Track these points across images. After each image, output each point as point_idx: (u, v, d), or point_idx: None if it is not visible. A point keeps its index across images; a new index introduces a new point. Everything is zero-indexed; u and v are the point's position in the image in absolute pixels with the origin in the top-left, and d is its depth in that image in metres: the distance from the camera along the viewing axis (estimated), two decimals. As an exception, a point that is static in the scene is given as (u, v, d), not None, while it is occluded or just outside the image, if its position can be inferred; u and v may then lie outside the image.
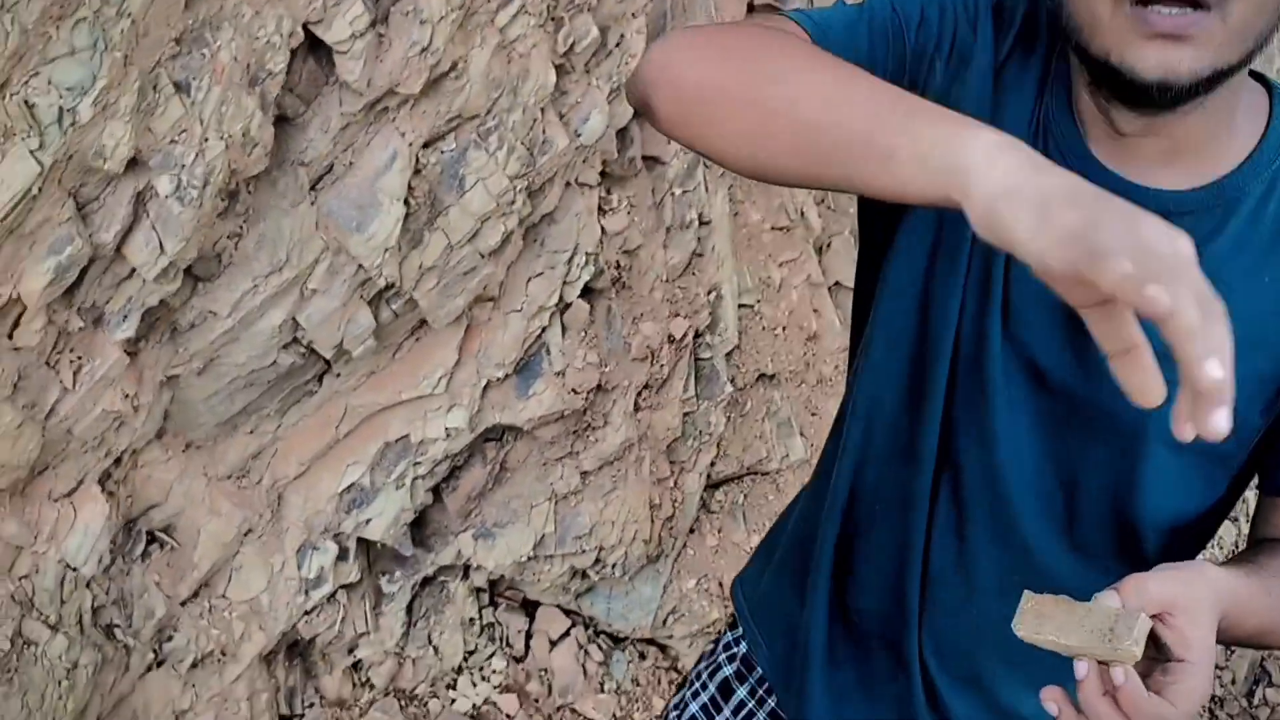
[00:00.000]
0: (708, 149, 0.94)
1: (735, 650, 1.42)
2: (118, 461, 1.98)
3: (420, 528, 2.36)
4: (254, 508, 2.16)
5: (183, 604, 2.12)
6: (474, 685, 2.45)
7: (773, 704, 1.36)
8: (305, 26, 1.72)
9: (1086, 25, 0.90)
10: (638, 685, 2.58)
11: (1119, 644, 0.82)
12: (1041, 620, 0.85)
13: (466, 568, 2.42)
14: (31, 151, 1.57)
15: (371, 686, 2.40)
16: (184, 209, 1.68)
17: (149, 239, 1.71)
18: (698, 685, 1.43)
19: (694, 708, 1.42)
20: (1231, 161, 0.97)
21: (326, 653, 2.34)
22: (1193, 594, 0.86)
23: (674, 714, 1.43)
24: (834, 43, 0.99)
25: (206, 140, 1.67)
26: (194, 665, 2.15)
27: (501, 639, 2.50)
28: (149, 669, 2.11)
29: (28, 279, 1.66)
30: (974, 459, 1.09)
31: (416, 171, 1.90)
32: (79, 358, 1.80)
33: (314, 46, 1.77)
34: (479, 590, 2.49)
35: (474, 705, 2.42)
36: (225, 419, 2.07)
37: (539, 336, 2.24)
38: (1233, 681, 2.96)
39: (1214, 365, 0.64)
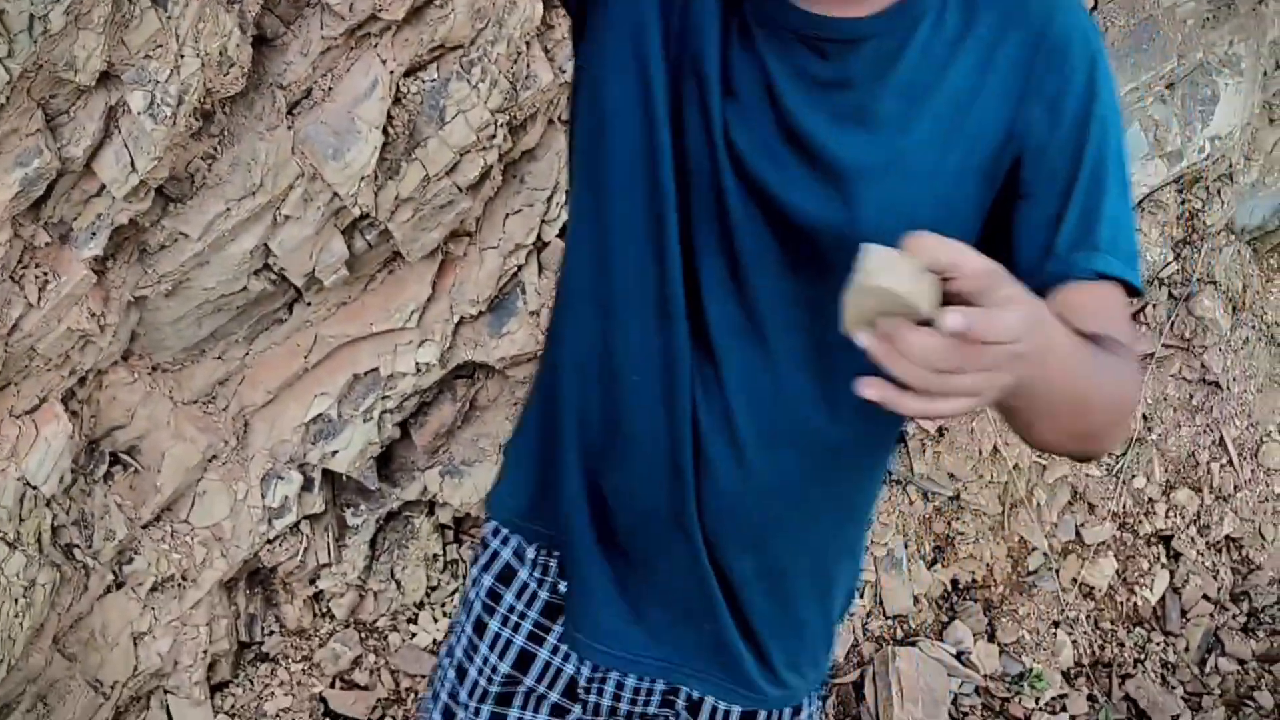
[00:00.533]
0: None
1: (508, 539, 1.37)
2: (82, 381, 1.95)
3: (387, 463, 2.34)
4: (219, 434, 2.14)
5: (144, 527, 2.10)
6: (435, 621, 2.44)
7: (552, 582, 1.33)
8: (288, -57, 1.67)
9: None
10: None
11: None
12: (861, 301, 0.82)
13: (432, 504, 2.41)
14: (0, 60, 1.53)
15: (332, 617, 2.39)
16: (156, 126, 1.64)
17: (120, 155, 1.67)
18: (477, 570, 1.39)
19: (480, 590, 1.37)
20: None
21: (288, 582, 2.33)
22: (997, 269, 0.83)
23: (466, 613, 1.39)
24: None
25: (182, 57, 1.62)
26: (154, 589, 2.13)
27: (464, 576, 2.50)
28: (108, 590, 2.09)
29: (-9, 186, 1.63)
30: (725, 311, 1.10)
31: (396, 100, 1.86)
32: (45, 274, 1.76)
33: (294, -34, 1.72)
34: (444, 527, 2.48)
35: (434, 640, 2.42)
36: (193, 343, 2.04)
37: (515, 275, 2.21)
38: (1186, 649, 3.00)
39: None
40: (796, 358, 1.11)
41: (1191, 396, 3.23)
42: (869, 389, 0.80)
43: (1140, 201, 3.06)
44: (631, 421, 1.17)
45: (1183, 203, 3.17)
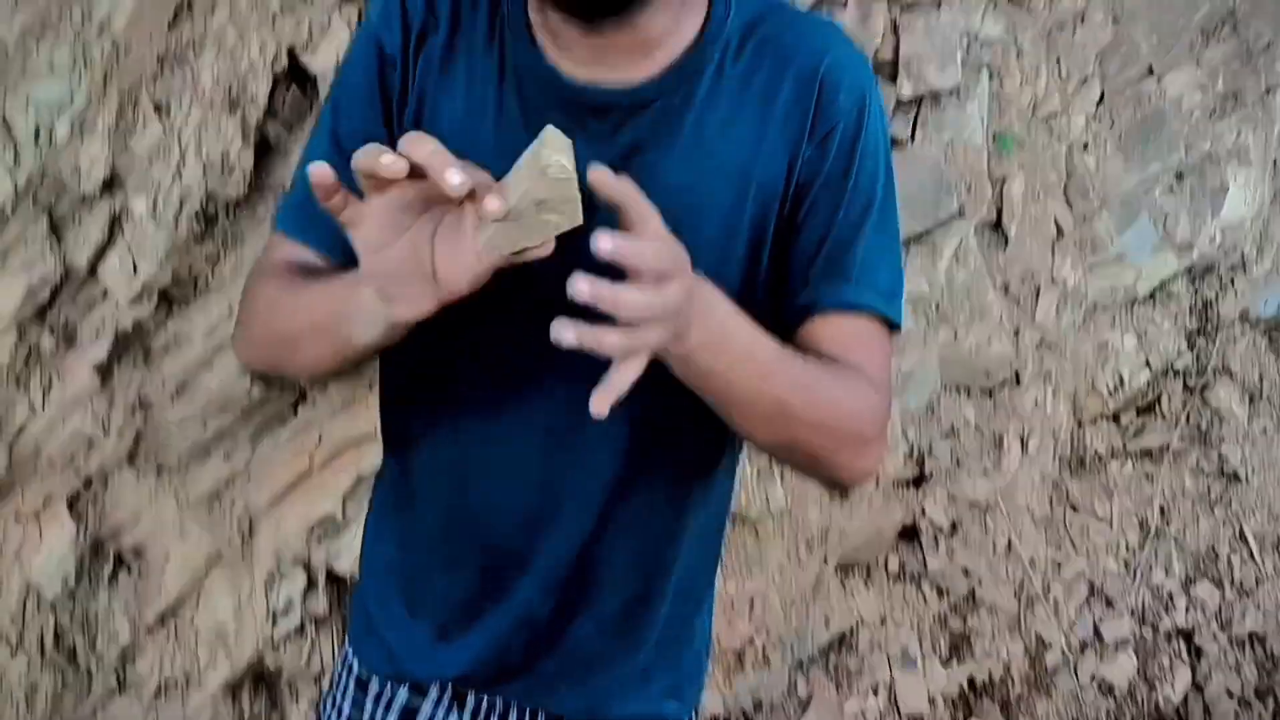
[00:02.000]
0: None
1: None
2: (87, 483, 1.93)
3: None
4: (224, 534, 2.10)
5: (148, 629, 2.07)
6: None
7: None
8: (290, 52, 1.68)
9: None
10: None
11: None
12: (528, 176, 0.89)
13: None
14: (6, 168, 1.54)
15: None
16: (159, 231, 1.64)
17: (124, 260, 1.67)
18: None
19: None
20: (682, 45, 1.07)
21: (293, 684, 2.28)
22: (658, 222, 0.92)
23: None
24: (314, 230, 1.13)
25: (185, 163, 1.63)
26: (157, 692, 2.09)
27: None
28: (111, 694, 2.06)
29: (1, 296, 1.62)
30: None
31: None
32: (50, 377, 1.76)
33: (298, 73, 1.73)
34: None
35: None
36: (198, 444, 2.02)
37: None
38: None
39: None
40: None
41: (1210, 489, 3.16)
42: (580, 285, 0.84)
43: (1151, 293, 3.03)
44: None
45: (1196, 293, 3.14)
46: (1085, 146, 2.91)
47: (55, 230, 1.63)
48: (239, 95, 1.66)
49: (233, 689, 2.20)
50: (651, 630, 1.32)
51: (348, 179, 0.92)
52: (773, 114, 1.07)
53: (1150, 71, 2.97)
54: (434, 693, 1.33)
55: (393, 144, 0.91)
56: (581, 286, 0.83)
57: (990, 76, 2.71)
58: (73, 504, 1.91)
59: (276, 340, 1.12)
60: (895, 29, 2.52)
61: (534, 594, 1.24)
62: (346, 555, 2.17)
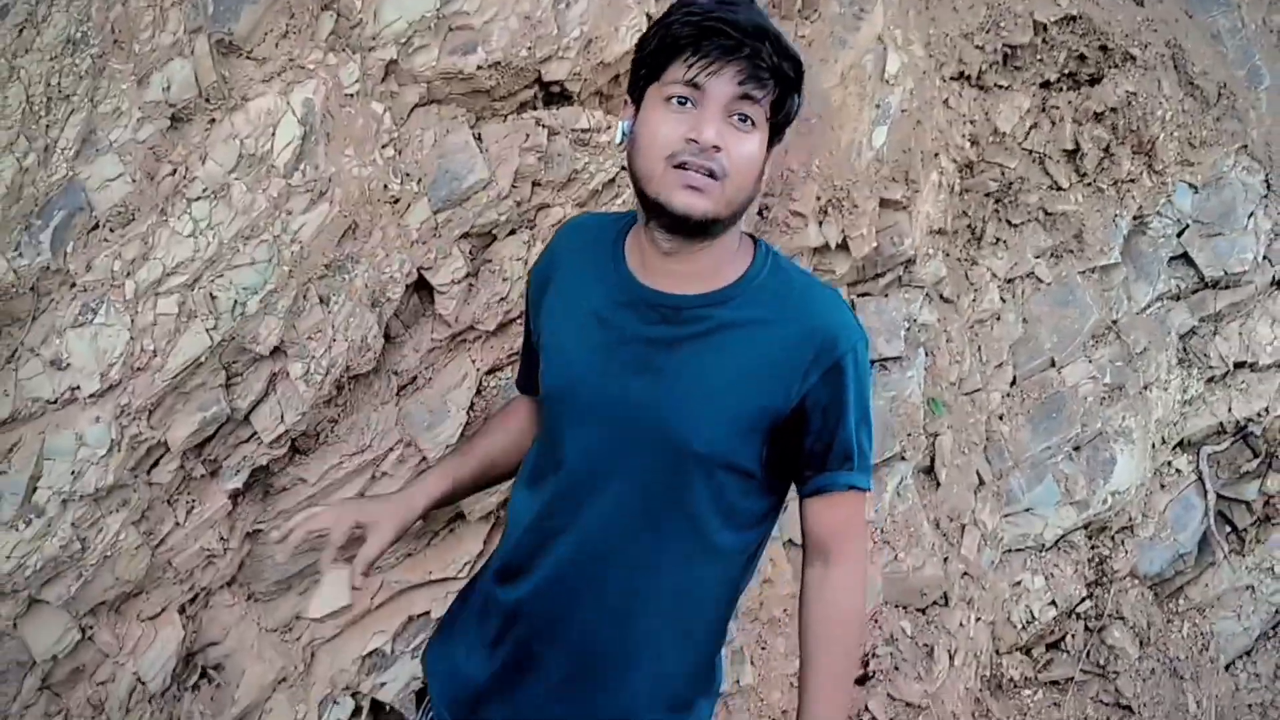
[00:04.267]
0: None
1: None
2: (195, 597, 2.25)
3: (421, 697, 2.58)
4: (291, 659, 2.40)
5: (219, 734, 2.33)
6: None
7: None
8: (419, 269, 2.17)
9: (645, 177, 1.49)
10: None
11: None
12: None
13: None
14: (206, 330, 1.98)
15: (360, 841, 2.55)
16: (307, 390, 2.07)
17: (274, 411, 2.08)
18: None
19: None
20: (730, 279, 1.55)
21: (326, 805, 2.51)
22: None
23: None
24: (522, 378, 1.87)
25: (334, 341, 2.07)
26: (217, 796, 2.33)
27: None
28: (179, 790, 2.29)
29: (176, 428, 2.02)
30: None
31: (478, 391, 2.30)
32: (193, 500, 2.12)
33: (421, 285, 2.21)
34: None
35: None
36: (284, 578, 2.36)
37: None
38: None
39: None
40: None
41: (1108, 717, 3.50)
42: None
43: (1056, 542, 3.48)
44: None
45: (1093, 548, 3.58)
46: (1001, 417, 3.44)
47: (228, 382, 2.05)
48: (378, 297, 2.13)
49: (277, 803, 2.43)
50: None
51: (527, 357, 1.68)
52: (785, 343, 1.53)
53: (1052, 363, 3.54)
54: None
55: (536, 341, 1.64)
56: None
57: (925, 353, 3.25)
58: (182, 611, 2.23)
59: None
60: (853, 308, 3.07)
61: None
62: (391, 685, 2.46)
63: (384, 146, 2.11)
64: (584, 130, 2.25)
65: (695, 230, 1.49)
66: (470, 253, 2.21)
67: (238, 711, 2.34)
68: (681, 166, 1.45)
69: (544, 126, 2.20)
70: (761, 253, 1.59)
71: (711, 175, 1.45)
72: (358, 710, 2.46)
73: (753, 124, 1.47)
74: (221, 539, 2.17)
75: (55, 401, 1.93)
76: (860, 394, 1.57)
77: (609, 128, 2.28)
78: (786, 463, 1.58)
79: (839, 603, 1.57)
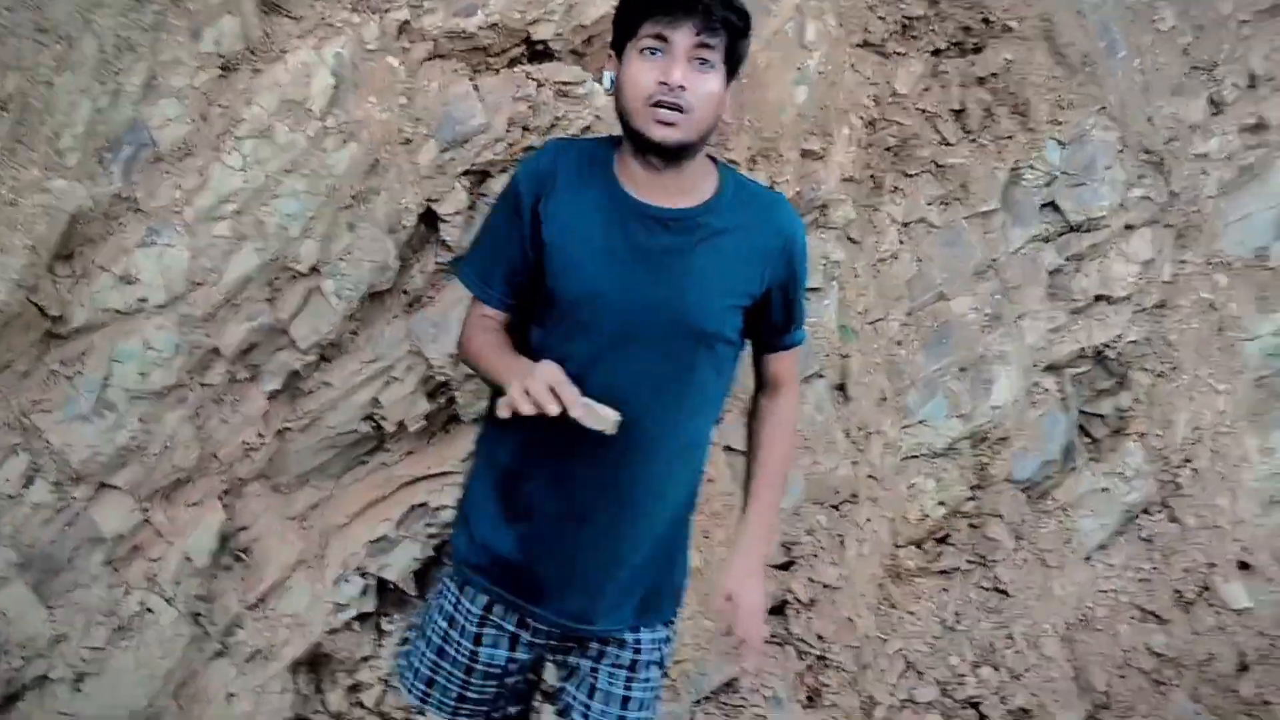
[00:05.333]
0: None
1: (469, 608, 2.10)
2: (229, 489, 2.55)
3: (421, 578, 2.93)
4: (309, 544, 2.71)
5: (248, 608, 2.63)
6: (439, 715, 2.95)
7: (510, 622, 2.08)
8: (428, 201, 2.49)
9: (630, 115, 1.86)
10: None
11: None
12: None
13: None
14: (256, 250, 2.28)
15: (363, 706, 2.89)
16: (339, 303, 2.38)
17: (308, 322, 2.39)
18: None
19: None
20: (705, 195, 1.91)
21: (336, 671, 2.84)
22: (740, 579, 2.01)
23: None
24: (494, 289, 1.99)
25: (361, 263, 2.39)
26: (247, 659, 2.64)
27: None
28: (217, 656, 2.59)
29: (227, 336, 2.32)
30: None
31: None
32: (236, 400, 2.42)
33: (427, 215, 2.53)
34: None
35: (438, 729, 2.92)
36: (303, 473, 2.67)
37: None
38: None
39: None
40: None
41: (988, 600, 4.01)
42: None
43: (945, 450, 3.96)
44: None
45: (976, 455, 4.08)
46: (899, 343, 3.89)
47: (271, 297, 2.35)
48: (395, 224, 2.45)
49: (294, 668, 2.75)
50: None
51: (507, 268, 1.92)
52: (758, 243, 1.93)
53: (942, 296, 4.00)
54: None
55: (525, 254, 1.91)
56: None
57: (838, 286, 3.68)
58: (221, 499, 2.53)
59: (473, 367, 2.05)
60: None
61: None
62: (394, 566, 2.79)
63: (399, 95, 2.42)
64: (565, 83, 2.59)
65: (672, 154, 1.85)
66: (470, 187, 2.54)
67: (264, 588, 2.65)
68: (656, 105, 1.82)
69: (532, 79, 2.54)
70: (723, 169, 1.96)
71: (679, 109, 1.80)
72: (366, 588, 2.79)
73: (711, 66, 1.82)
74: (259, 435, 2.48)
75: (125, 312, 2.22)
76: (805, 271, 2.03)
77: (584, 81, 2.62)
78: (753, 332, 2.02)
79: (784, 418, 2.08)
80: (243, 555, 2.63)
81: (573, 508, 1.96)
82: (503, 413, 1.73)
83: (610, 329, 1.87)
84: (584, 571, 1.99)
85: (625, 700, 2.05)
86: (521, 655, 2.09)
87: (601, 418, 1.73)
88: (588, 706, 2.05)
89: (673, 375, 1.88)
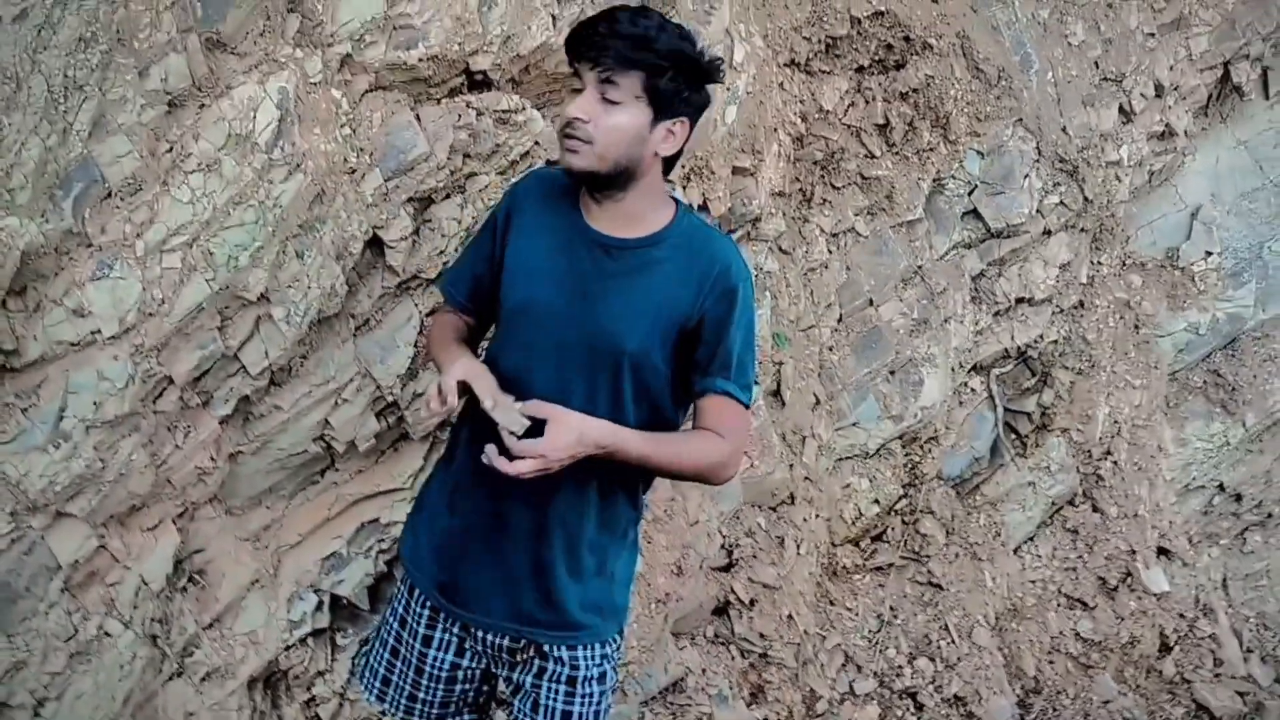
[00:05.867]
0: None
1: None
2: (183, 512, 2.59)
3: (373, 594, 2.99)
4: (262, 564, 2.77)
5: (204, 628, 2.68)
6: (394, 725, 3.02)
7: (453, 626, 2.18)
8: (374, 228, 2.56)
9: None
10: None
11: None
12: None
13: (400, 631, 3.03)
14: (206, 280, 2.33)
15: (318, 719, 2.94)
16: (289, 329, 2.44)
17: (259, 349, 2.45)
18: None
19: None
20: (655, 228, 2.00)
21: (291, 687, 2.89)
22: (569, 416, 1.92)
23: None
24: (458, 291, 2.21)
25: (309, 288, 2.45)
26: (204, 678, 2.68)
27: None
28: (173, 677, 2.63)
29: (179, 364, 2.36)
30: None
31: (421, 330, 2.71)
32: (189, 426, 2.47)
33: (374, 241, 2.60)
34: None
35: (394, 739, 2.98)
36: (255, 494, 2.72)
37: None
38: None
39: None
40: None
41: (922, 594, 4.16)
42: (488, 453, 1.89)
43: (878, 450, 4.10)
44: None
45: (907, 455, 4.23)
46: (830, 348, 4.03)
47: (222, 325, 2.40)
48: (342, 251, 2.51)
49: (251, 685, 2.80)
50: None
51: (473, 274, 2.05)
52: (691, 273, 2.00)
53: (871, 303, 4.15)
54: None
55: (490, 266, 2.05)
56: (488, 451, 1.88)
57: (770, 296, 3.81)
58: (176, 522, 2.57)
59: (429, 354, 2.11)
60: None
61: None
62: (347, 582, 2.86)
63: (342, 126, 2.49)
64: (504, 111, 2.67)
65: (589, 180, 1.97)
66: (414, 214, 2.61)
67: (220, 608, 2.69)
68: (565, 135, 1.94)
69: (472, 109, 2.62)
70: (682, 210, 2.06)
71: (580, 139, 1.92)
72: (320, 604, 2.85)
73: (618, 102, 1.92)
74: (211, 459, 2.53)
75: (78, 344, 2.25)
76: (745, 321, 2.04)
77: (523, 109, 2.71)
78: (684, 372, 2.05)
79: (710, 438, 2.02)
80: (197, 577, 2.67)
81: (496, 514, 2.04)
82: (430, 406, 1.96)
83: (544, 342, 1.98)
84: (508, 575, 2.08)
85: (566, 714, 2.12)
86: (468, 663, 2.17)
87: (511, 418, 1.86)
88: (531, 717, 2.13)
89: (598, 393, 1.97)
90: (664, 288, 2.00)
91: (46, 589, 2.36)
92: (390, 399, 2.70)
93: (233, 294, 2.37)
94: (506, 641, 2.11)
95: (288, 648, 2.81)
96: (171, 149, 2.30)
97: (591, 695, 2.12)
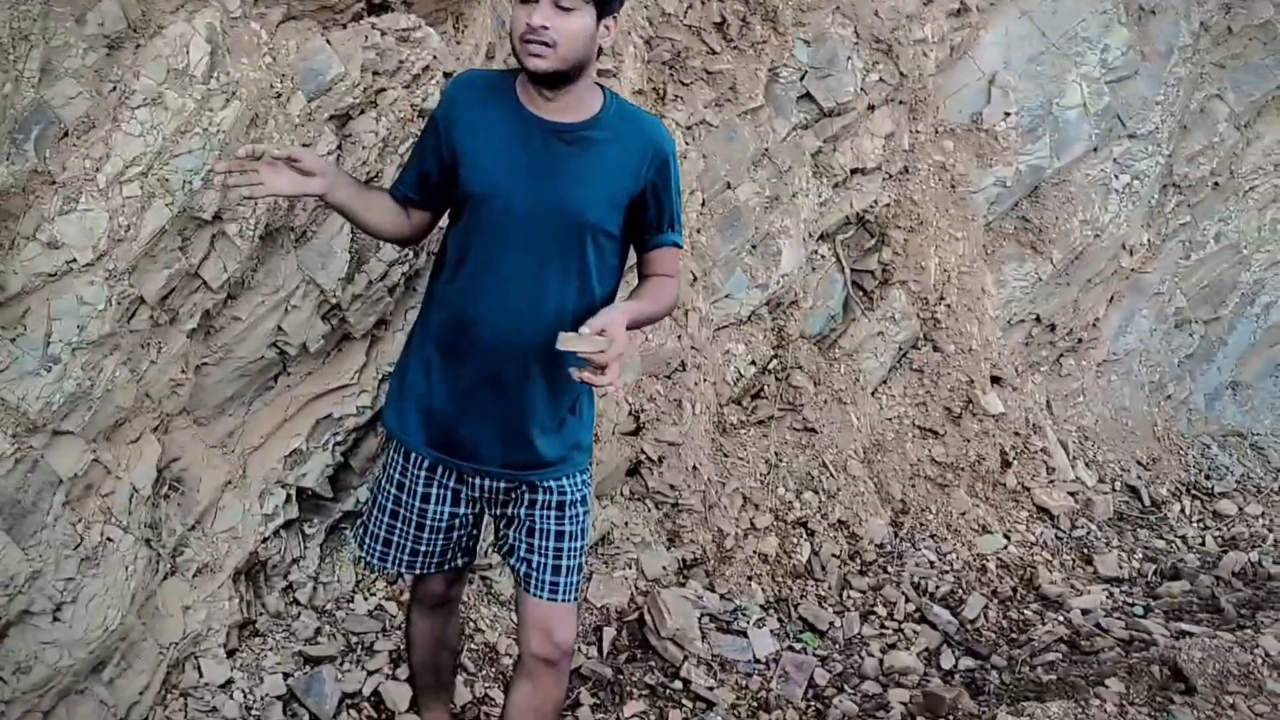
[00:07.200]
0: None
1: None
2: (159, 424, 2.82)
3: (334, 481, 3.27)
4: (232, 466, 3.02)
5: (190, 529, 2.92)
6: (365, 600, 3.33)
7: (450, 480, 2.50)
8: (303, 144, 2.80)
9: (514, 50, 2.29)
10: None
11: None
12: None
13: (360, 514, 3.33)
14: (166, 205, 2.55)
15: (299, 603, 3.23)
16: (242, 243, 2.68)
17: (216, 264, 2.68)
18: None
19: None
20: (591, 112, 2.31)
21: (270, 576, 3.17)
22: (612, 312, 2.22)
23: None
24: (404, 187, 2.49)
25: (257, 205, 2.69)
26: (196, 573, 2.93)
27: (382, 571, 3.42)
28: (167, 575, 2.88)
29: (149, 284, 2.58)
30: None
31: (353, 238, 2.98)
32: (160, 341, 2.69)
33: (304, 160, 2.83)
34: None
35: (369, 611, 3.30)
36: (219, 403, 2.96)
37: (404, 357, 3.28)
38: (829, 587, 4.28)
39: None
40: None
41: (800, 438, 4.67)
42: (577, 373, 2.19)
43: (749, 317, 4.56)
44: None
45: (774, 319, 4.70)
46: (699, 230, 4.43)
47: (183, 245, 2.63)
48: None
49: (235, 577, 3.06)
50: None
51: (418, 172, 2.33)
52: (633, 151, 2.33)
53: (728, 186, 4.56)
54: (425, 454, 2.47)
55: (440, 162, 2.30)
56: (591, 380, 2.18)
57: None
58: (155, 433, 2.79)
59: None
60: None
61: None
62: (310, 474, 3.13)
63: (265, 55, 2.71)
64: (404, 29, 2.93)
65: (547, 80, 2.27)
66: (336, 130, 2.86)
67: (201, 510, 2.94)
68: (527, 42, 2.23)
69: (377, 29, 2.87)
70: (609, 94, 2.38)
71: (545, 44, 2.22)
72: (288, 498, 3.12)
73: (570, 9, 2.22)
74: (182, 371, 2.76)
75: (55, 274, 2.45)
76: (676, 181, 2.41)
77: (419, 27, 2.97)
78: (633, 231, 2.40)
79: (666, 282, 2.41)
80: (177, 484, 2.91)
81: (488, 372, 2.36)
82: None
83: (513, 225, 2.29)
84: (504, 427, 2.41)
85: (560, 534, 2.47)
86: (464, 510, 2.51)
87: (593, 342, 2.14)
88: (530, 545, 2.47)
89: (562, 259, 2.30)
90: (611, 165, 2.31)
91: (51, 502, 2.58)
92: (334, 301, 2.96)
93: (189, 216, 2.59)
94: (503, 484, 2.44)
95: (264, 540, 3.08)
96: (115, 87, 2.50)
97: (578, 515, 2.48)
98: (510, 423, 2.41)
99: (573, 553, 2.47)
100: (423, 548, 2.54)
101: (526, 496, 2.47)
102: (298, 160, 2.30)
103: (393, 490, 2.51)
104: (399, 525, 2.52)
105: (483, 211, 2.32)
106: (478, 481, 2.46)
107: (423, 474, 2.47)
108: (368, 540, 2.57)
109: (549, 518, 2.46)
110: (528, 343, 2.35)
